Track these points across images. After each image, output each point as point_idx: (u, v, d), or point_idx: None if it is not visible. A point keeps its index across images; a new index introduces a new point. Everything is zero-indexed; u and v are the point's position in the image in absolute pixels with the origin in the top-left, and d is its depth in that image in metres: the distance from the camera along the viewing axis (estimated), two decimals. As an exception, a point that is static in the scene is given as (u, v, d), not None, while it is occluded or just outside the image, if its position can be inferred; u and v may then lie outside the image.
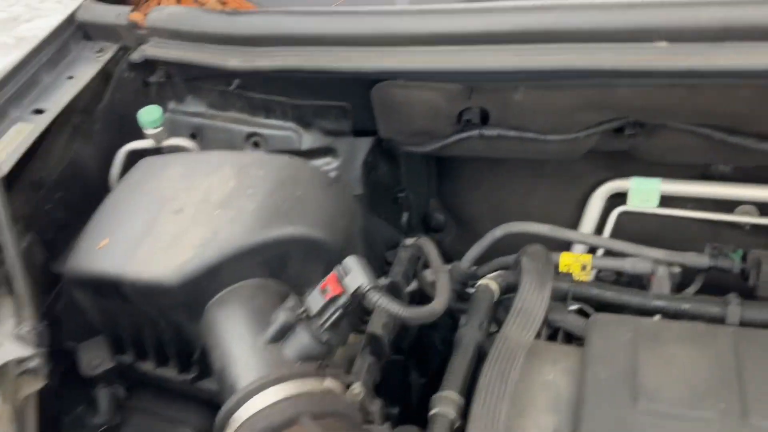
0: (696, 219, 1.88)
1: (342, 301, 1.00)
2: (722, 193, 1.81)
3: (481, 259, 1.65)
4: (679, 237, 1.92)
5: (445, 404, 1.12)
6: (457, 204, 2.06)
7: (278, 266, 1.12)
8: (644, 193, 1.82)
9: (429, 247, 1.37)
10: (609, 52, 1.15)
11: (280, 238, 1.09)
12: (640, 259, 1.47)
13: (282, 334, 1.02)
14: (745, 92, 1.30)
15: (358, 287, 0.99)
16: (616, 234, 1.92)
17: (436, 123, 1.49)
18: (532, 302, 1.28)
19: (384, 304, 0.98)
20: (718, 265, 1.55)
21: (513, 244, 1.58)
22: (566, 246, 1.91)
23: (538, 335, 1.36)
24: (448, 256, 2.15)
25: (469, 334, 1.24)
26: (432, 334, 1.68)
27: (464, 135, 1.50)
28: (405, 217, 2.09)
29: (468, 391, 1.16)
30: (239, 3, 1.61)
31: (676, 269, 1.60)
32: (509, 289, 1.39)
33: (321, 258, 1.13)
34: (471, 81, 1.35)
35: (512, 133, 1.48)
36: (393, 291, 1.30)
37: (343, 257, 1.14)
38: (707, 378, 1.10)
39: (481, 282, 1.38)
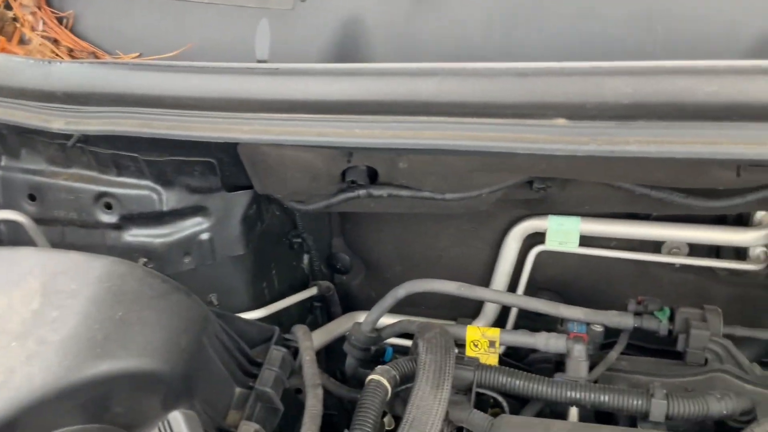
0: (621, 258, 1.73)
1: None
2: (648, 233, 1.64)
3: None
4: (602, 277, 1.76)
5: None
6: (362, 244, 1.85)
7: (99, 409, 0.88)
8: (563, 234, 1.64)
9: (304, 346, 1.15)
10: (500, 130, 0.93)
11: (94, 378, 0.85)
12: (554, 336, 1.29)
13: None
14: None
15: (182, 461, 0.77)
16: (535, 274, 1.76)
17: (317, 183, 1.26)
18: (427, 408, 1.08)
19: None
20: (643, 326, 1.39)
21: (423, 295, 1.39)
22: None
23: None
24: (357, 301, 1.97)
25: (352, 456, 1.04)
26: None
27: (351, 195, 1.28)
28: (306, 259, 1.88)
29: None
30: (75, 42, 1.34)
31: (599, 328, 1.44)
32: (406, 379, 1.20)
33: (156, 390, 0.90)
34: (346, 149, 1.13)
35: (405, 192, 1.27)
36: (262, 401, 1.09)
37: (186, 383, 0.91)
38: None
39: (371, 378, 1.17)
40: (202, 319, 1.00)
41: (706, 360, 1.33)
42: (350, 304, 1.96)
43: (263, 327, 1.18)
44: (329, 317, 1.92)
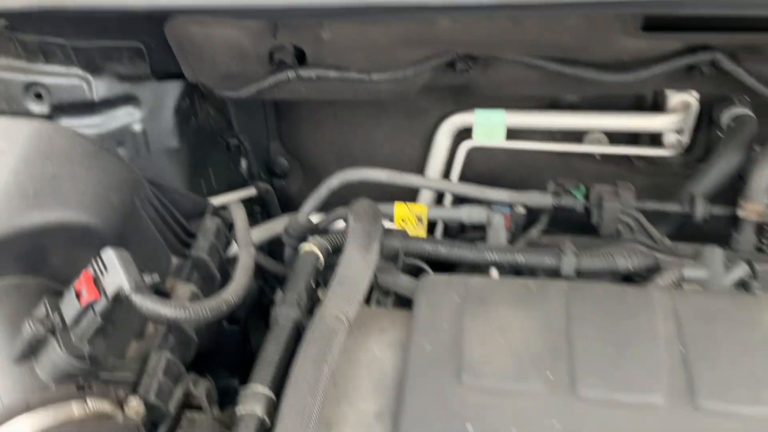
0: (546, 151, 1.81)
1: (101, 307, 0.82)
2: (569, 123, 1.73)
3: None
4: (529, 170, 1.84)
5: (252, 401, 0.98)
6: (299, 147, 1.89)
7: (36, 260, 0.92)
8: (489, 127, 1.71)
9: (237, 213, 1.20)
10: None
11: (28, 228, 0.89)
12: (475, 207, 1.36)
13: (32, 350, 0.84)
14: (571, 22, 1.18)
15: (118, 290, 0.81)
16: (466, 170, 1.83)
17: (245, 65, 1.29)
18: (357, 269, 1.15)
19: (152, 309, 0.82)
20: (561, 204, 1.48)
21: (358, 189, 1.44)
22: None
23: (368, 301, 1.25)
24: (296, 205, 2.00)
25: (284, 313, 1.10)
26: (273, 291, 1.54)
27: (280, 77, 1.31)
28: (244, 164, 1.91)
29: (283, 381, 1.02)
30: None
31: (521, 210, 1.52)
32: (337, 251, 1.26)
33: (92, 245, 0.94)
34: (270, 17, 1.15)
35: (333, 73, 1.30)
36: (198, 268, 1.13)
37: (121, 241, 0.95)
38: (535, 345, 1.02)
39: (302, 247, 1.23)
40: (134, 181, 1.03)
41: (620, 232, 1.43)
42: (290, 209, 2.00)
43: (197, 199, 1.22)
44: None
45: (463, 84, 1.45)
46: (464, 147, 1.79)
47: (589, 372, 0.98)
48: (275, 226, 1.82)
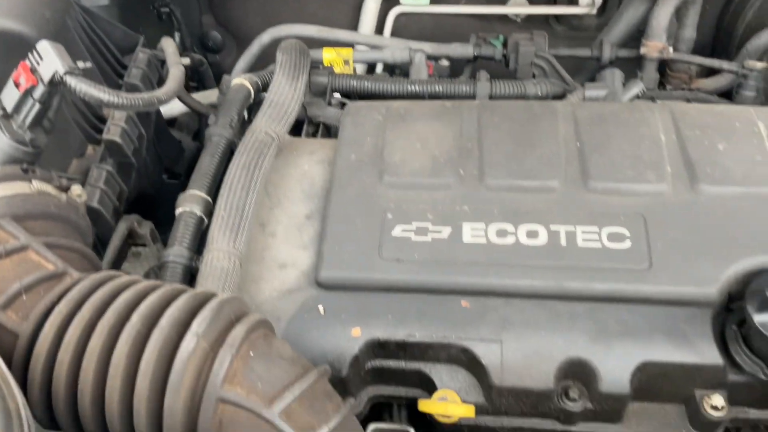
0: (470, 15, 1.89)
1: (39, 92, 0.88)
2: (489, -16, 1.81)
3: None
4: (454, 34, 1.91)
5: (190, 202, 1.07)
6: (231, 19, 1.92)
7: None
8: (416, -10, 1.78)
9: (166, 42, 1.25)
10: None
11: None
12: (398, 48, 1.44)
13: (-25, 141, 0.89)
14: None
15: (54, 74, 0.87)
16: (395, 35, 1.90)
17: None
18: (285, 95, 1.22)
19: (84, 90, 0.87)
20: (482, 53, 1.57)
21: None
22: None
23: (298, 132, 1.33)
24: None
25: (217, 132, 1.17)
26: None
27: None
28: (177, 38, 1.93)
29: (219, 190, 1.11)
30: None
31: (445, 62, 1.61)
32: (266, 87, 1.33)
33: (25, 56, 0.99)
34: None
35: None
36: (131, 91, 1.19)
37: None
38: (449, 149, 1.13)
39: (234, 81, 1.30)
40: (66, 2, 1.07)
41: (534, 75, 1.53)
42: (226, 85, 2.05)
43: (128, 33, 1.26)
44: (205, 92, 1.99)
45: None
46: (393, 12, 1.86)
47: (496, 166, 1.09)
48: (210, 95, 1.87)
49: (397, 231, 1.03)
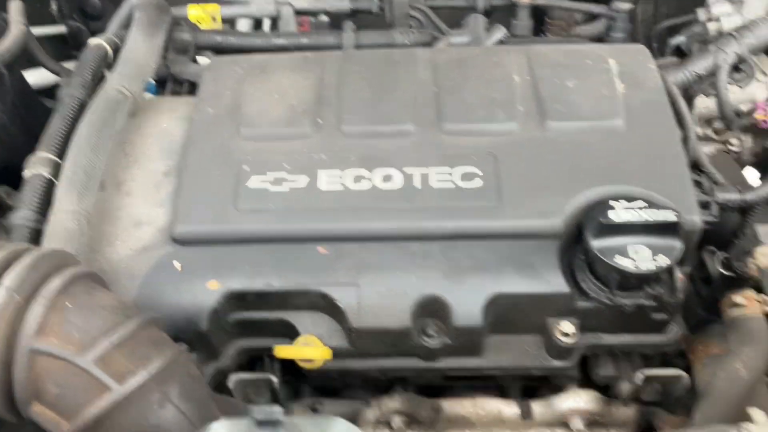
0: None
1: None
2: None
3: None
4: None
5: (37, 165, 1.04)
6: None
7: None
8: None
9: (11, 6, 1.20)
10: None
11: None
12: (264, 2, 1.42)
13: None
14: None
15: None
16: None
17: None
18: (140, 51, 1.19)
19: None
20: (358, 6, 1.57)
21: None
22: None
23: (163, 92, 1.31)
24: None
25: (69, 93, 1.14)
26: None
27: None
28: (54, 5, 1.85)
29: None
30: None
31: (324, 18, 1.60)
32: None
33: None
34: None
35: None
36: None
37: None
38: (308, 99, 1.12)
39: (90, 41, 1.26)
40: None
41: (411, 27, 1.54)
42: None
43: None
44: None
45: None
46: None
47: (353, 113, 1.10)
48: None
49: (253, 182, 1.03)
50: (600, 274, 0.96)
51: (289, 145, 1.07)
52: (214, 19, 1.39)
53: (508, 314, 0.99)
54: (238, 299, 0.98)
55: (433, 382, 1.11)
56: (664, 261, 0.90)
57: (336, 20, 1.62)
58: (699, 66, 1.20)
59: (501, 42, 1.30)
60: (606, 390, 1.07)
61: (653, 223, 0.91)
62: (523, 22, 1.54)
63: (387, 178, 1.03)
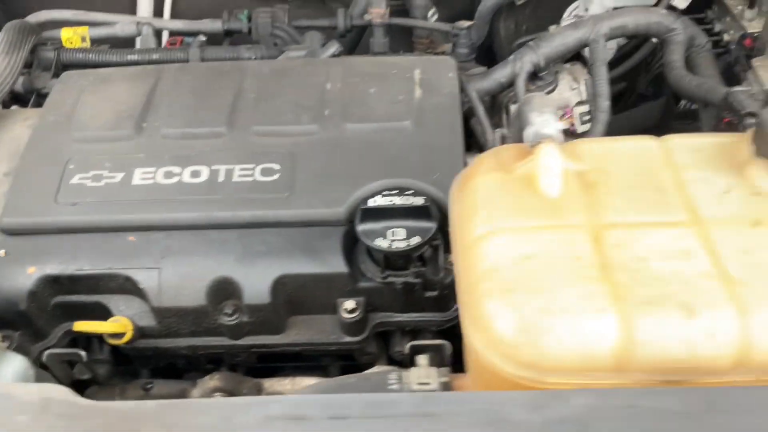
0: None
1: None
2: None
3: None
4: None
5: None
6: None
7: None
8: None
9: None
10: None
11: None
12: (127, 23, 1.56)
13: None
14: None
15: None
16: (175, 14, 2.00)
17: None
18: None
19: None
20: (230, 27, 1.70)
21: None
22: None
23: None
24: None
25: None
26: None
27: None
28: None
29: None
30: None
31: (202, 38, 1.73)
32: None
33: None
34: None
35: None
36: None
37: None
38: (137, 106, 1.24)
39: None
40: None
41: (277, 44, 1.67)
42: None
43: None
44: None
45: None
46: (171, -5, 1.97)
47: (174, 117, 1.22)
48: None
49: (75, 179, 1.15)
50: (375, 257, 1.07)
51: (113, 146, 1.19)
52: (83, 39, 1.52)
53: (299, 294, 1.10)
54: (54, 283, 1.09)
55: (256, 364, 1.21)
56: (416, 240, 1.01)
57: (213, 41, 1.75)
58: (500, 74, 1.32)
59: (334, 55, 1.43)
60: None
61: (406, 208, 1.02)
62: (379, 39, 1.66)
63: (195, 174, 1.14)
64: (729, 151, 0.72)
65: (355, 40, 1.77)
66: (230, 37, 1.73)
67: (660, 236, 0.66)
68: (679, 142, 0.77)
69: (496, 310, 0.65)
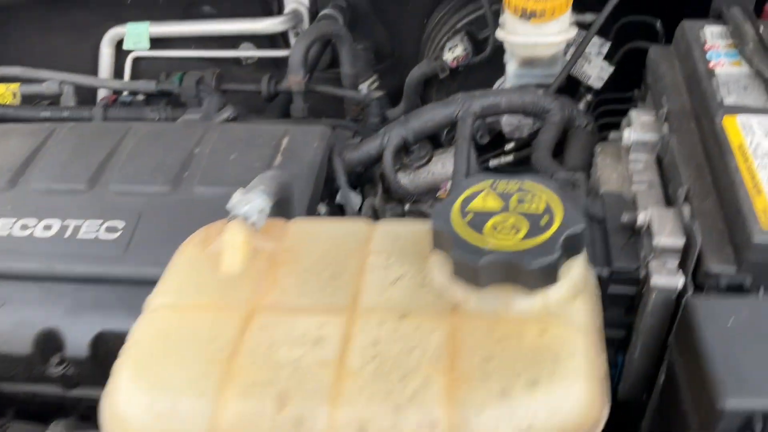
0: (204, 58, 2.12)
1: None
2: (205, 30, 2.04)
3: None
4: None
5: None
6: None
7: None
8: (137, 35, 2.01)
9: None
10: None
11: None
12: (51, 83, 1.66)
13: None
14: None
15: None
16: (136, 77, 2.13)
17: None
18: None
19: None
20: (163, 88, 1.79)
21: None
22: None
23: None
24: None
25: None
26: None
27: None
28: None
29: None
30: None
31: (141, 96, 1.83)
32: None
33: None
34: None
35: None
36: None
37: None
38: (19, 160, 1.32)
39: None
40: None
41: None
42: None
43: None
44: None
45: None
46: (130, 57, 2.09)
47: (45, 173, 1.29)
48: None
49: (-61, 227, 1.23)
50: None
51: (-17, 201, 1.27)
52: (14, 95, 1.64)
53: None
54: None
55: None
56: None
57: (149, 99, 1.85)
58: (370, 147, 1.34)
59: (228, 120, 1.49)
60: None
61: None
62: (298, 104, 1.71)
63: (47, 228, 1.20)
64: (425, 240, 0.71)
65: (285, 105, 1.83)
66: (167, 97, 1.83)
67: (306, 322, 0.66)
68: (384, 228, 0.76)
69: (122, 381, 0.66)
